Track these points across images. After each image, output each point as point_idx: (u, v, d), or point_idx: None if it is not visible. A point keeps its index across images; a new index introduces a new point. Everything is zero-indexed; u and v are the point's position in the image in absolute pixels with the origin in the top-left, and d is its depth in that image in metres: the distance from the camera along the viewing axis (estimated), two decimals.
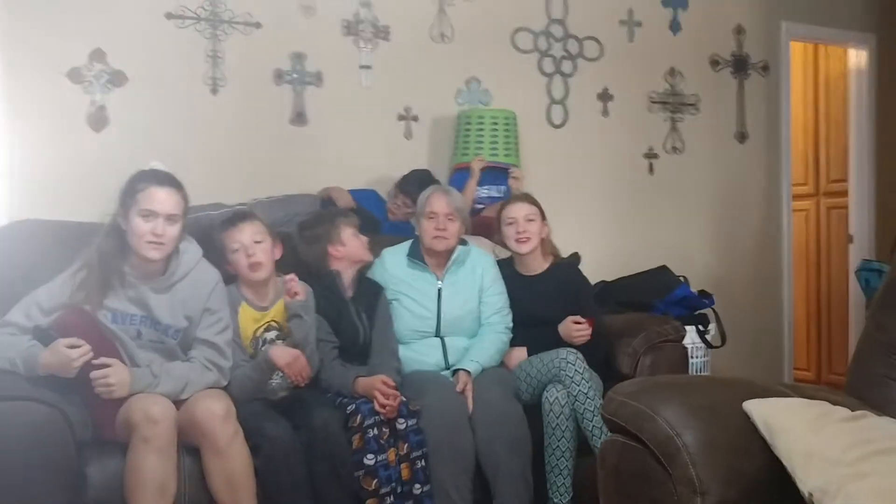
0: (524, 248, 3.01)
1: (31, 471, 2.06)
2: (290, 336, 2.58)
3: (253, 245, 2.58)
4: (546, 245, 3.08)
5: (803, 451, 1.55)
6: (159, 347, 2.41)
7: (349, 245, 2.80)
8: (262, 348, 2.58)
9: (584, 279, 3.13)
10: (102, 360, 2.23)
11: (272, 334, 2.63)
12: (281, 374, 2.53)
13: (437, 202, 2.92)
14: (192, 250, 2.48)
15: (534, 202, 3.07)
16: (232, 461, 2.24)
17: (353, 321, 2.77)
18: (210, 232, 2.66)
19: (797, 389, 1.89)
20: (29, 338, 2.25)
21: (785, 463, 1.58)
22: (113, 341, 2.34)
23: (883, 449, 1.51)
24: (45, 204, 3.07)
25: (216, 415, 2.24)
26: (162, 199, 2.33)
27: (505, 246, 3.09)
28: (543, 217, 3.06)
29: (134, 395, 2.27)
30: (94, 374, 2.21)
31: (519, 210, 3.02)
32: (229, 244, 2.60)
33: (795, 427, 1.59)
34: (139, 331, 2.38)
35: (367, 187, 3.60)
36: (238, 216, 2.65)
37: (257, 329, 2.60)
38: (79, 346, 2.17)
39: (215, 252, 2.61)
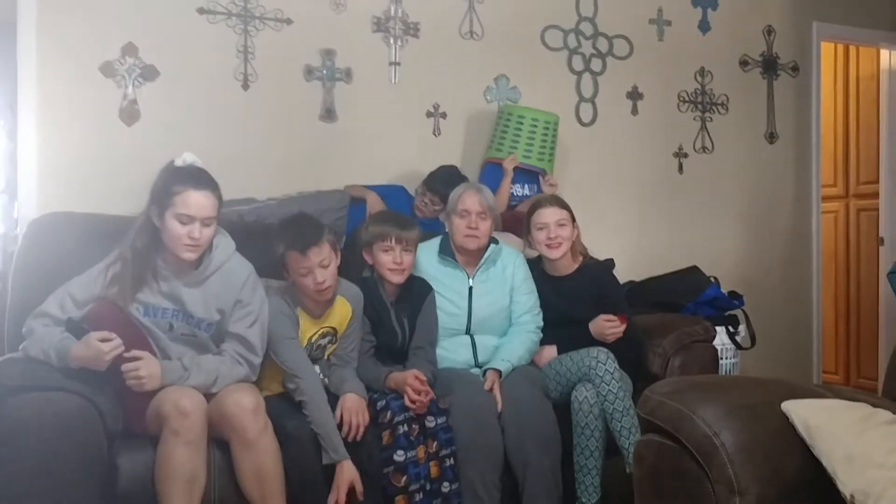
0: (556, 254, 2.97)
1: (62, 461, 2.07)
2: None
3: (321, 270, 2.49)
4: (576, 246, 3.05)
5: (845, 453, 1.52)
6: (192, 341, 2.42)
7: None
8: (315, 352, 2.58)
9: (614, 279, 3.10)
10: (134, 352, 2.24)
11: (326, 340, 2.62)
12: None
13: (470, 200, 2.91)
14: (224, 244, 2.47)
15: (564, 206, 3.03)
16: (261, 455, 2.24)
17: (392, 326, 2.75)
18: (242, 226, 2.67)
19: (834, 391, 1.86)
20: (62, 330, 2.27)
21: (825, 464, 1.56)
22: (144, 335, 2.36)
23: None
24: (76, 197, 3.10)
25: (246, 409, 2.25)
26: (200, 203, 2.31)
27: (533, 248, 3.07)
28: (573, 220, 3.04)
29: (165, 388, 2.28)
30: (126, 366, 2.22)
31: (550, 215, 2.98)
32: (296, 267, 2.50)
33: (837, 429, 1.57)
34: (171, 324, 2.39)
35: (396, 183, 3.60)
36: (307, 240, 2.48)
37: (313, 335, 2.59)
38: (110, 340, 2.18)
39: (250, 247, 2.59)
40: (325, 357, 2.63)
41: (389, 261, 2.70)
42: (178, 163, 2.39)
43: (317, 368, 2.58)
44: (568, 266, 3.05)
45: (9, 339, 2.52)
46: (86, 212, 2.88)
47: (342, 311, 2.63)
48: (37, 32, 3.15)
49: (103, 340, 2.17)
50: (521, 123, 3.63)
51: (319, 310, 2.60)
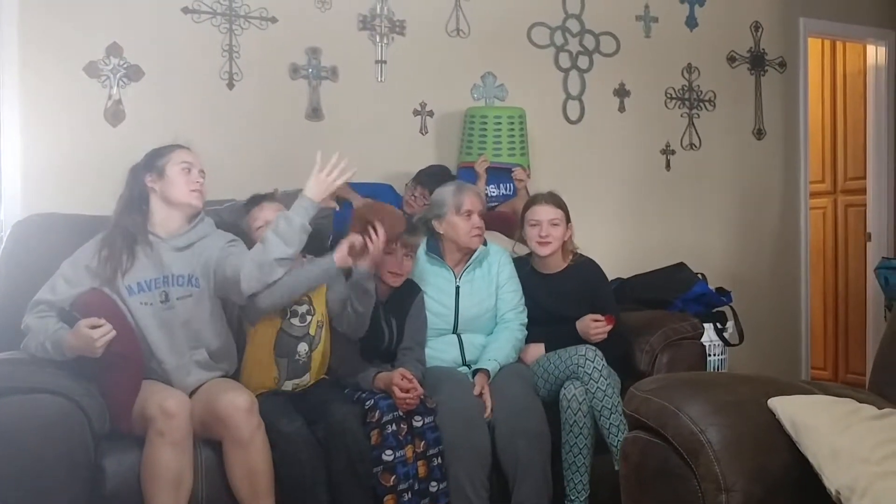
0: (545, 251, 2.98)
1: (47, 465, 2.06)
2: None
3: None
4: (566, 245, 3.05)
5: (830, 449, 1.52)
6: (189, 303, 2.43)
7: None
8: (289, 318, 2.59)
9: (604, 277, 3.10)
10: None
11: (303, 308, 2.60)
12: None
13: (471, 201, 2.91)
14: (208, 220, 2.58)
15: (560, 205, 3.03)
16: (253, 454, 2.24)
17: (380, 325, 2.74)
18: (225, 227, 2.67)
19: (821, 387, 1.86)
20: (56, 320, 2.28)
21: (811, 460, 1.56)
22: (132, 326, 2.35)
23: None
24: (61, 198, 3.07)
25: (240, 408, 2.25)
26: (193, 156, 2.54)
27: (524, 244, 3.07)
28: (568, 220, 3.03)
29: (149, 388, 2.27)
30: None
31: (544, 213, 2.99)
32: (253, 223, 2.66)
33: (822, 425, 1.57)
34: (165, 292, 2.40)
35: (383, 182, 3.59)
36: (260, 196, 2.75)
37: None
38: (100, 326, 2.17)
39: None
40: (310, 333, 2.59)
41: (390, 263, 2.71)
42: None
43: (303, 346, 2.56)
44: (557, 264, 3.05)
45: None
46: (71, 213, 2.85)
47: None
48: (18, 32, 3.12)
49: (93, 327, 2.16)
50: (485, 123, 3.61)
51: None
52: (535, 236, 2.98)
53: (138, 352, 2.33)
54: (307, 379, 2.59)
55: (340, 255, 2.51)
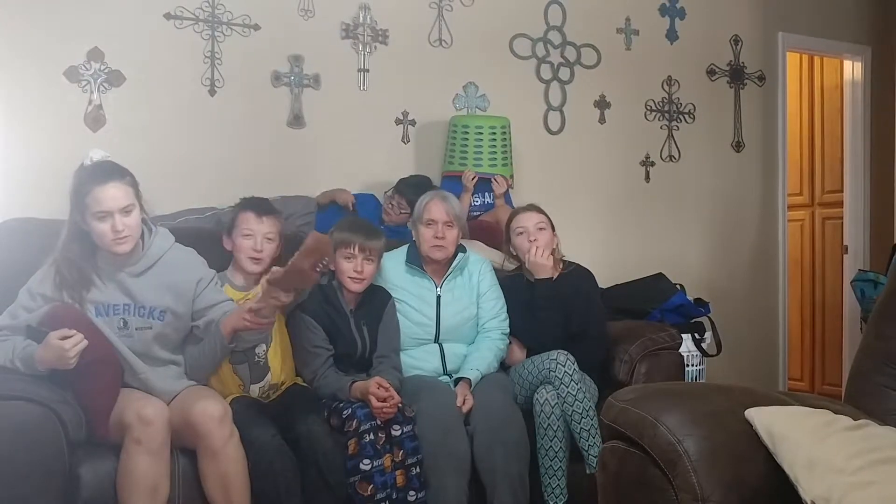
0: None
1: (22, 473, 2.05)
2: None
3: (265, 241, 2.61)
4: (555, 254, 3.04)
5: (806, 460, 1.53)
6: (147, 335, 2.38)
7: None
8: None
9: (596, 286, 3.10)
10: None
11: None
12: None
13: (436, 209, 2.90)
14: (162, 232, 2.46)
15: (542, 211, 3.05)
16: (227, 463, 2.23)
17: (351, 334, 2.73)
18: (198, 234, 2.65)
19: (798, 398, 1.88)
20: (22, 338, 2.22)
21: (787, 471, 1.57)
22: (104, 334, 2.31)
23: (886, 458, 1.50)
24: (40, 203, 3.02)
25: (213, 417, 2.23)
26: (110, 195, 2.27)
27: (514, 257, 3.05)
28: (553, 227, 3.04)
29: (127, 396, 2.25)
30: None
31: (529, 219, 3.00)
32: (242, 226, 2.62)
33: (798, 435, 1.58)
34: (124, 320, 2.36)
35: (366, 191, 3.59)
36: (265, 205, 2.68)
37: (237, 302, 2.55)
38: (70, 336, 2.13)
39: (215, 254, 2.61)
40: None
41: (350, 269, 2.70)
42: (86, 162, 2.37)
43: (261, 347, 2.53)
44: (549, 274, 3.01)
45: None
46: (48, 218, 2.83)
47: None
48: None
49: (63, 338, 2.12)
50: (467, 133, 3.62)
51: (246, 285, 2.64)
52: (525, 244, 2.97)
53: (113, 355, 2.31)
54: (270, 378, 2.57)
55: (232, 324, 2.36)
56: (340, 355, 2.71)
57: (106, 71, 3.26)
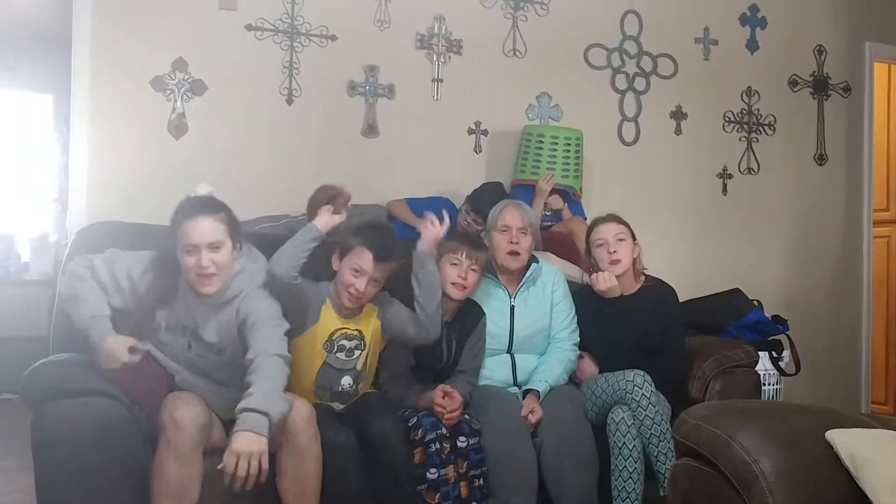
0: (617, 271, 2.88)
1: (100, 469, 2.09)
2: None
3: (371, 283, 2.52)
4: (636, 265, 2.97)
5: (892, 483, 1.47)
6: (206, 363, 2.39)
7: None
8: (338, 352, 2.56)
9: (677, 302, 3.00)
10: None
11: (352, 343, 2.58)
12: None
13: (510, 216, 2.88)
14: (250, 270, 2.40)
15: (622, 221, 2.96)
16: (308, 462, 2.26)
17: (440, 345, 2.71)
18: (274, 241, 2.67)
19: (881, 420, 1.80)
20: (106, 301, 2.30)
21: (870, 496, 1.51)
22: (167, 382, 2.36)
23: None
24: (124, 207, 3.16)
25: (302, 416, 2.26)
26: (198, 231, 2.26)
27: (595, 271, 2.91)
28: (634, 237, 2.96)
29: (171, 396, 2.27)
30: None
31: (609, 230, 2.92)
32: (356, 261, 2.50)
33: (883, 459, 1.52)
34: (190, 343, 2.38)
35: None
36: (385, 252, 2.52)
37: (335, 332, 2.57)
38: (136, 353, 2.24)
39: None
40: (357, 368, 2.60)
41: (455, 274, 2.69)
42: (191, 195, 2.39)
43: (347, 379, 2.57)
44: (630, 285, 2.95)
45: (53, 343, 2.56)
46: (132, 221, 2.92)
47: (369, 320, 2.62)
48: (90, 46, 3.24)
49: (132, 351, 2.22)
50: (541, 142, 3.60)
51: (351, 310, 2.59)
52: (605, 256, 2.91)
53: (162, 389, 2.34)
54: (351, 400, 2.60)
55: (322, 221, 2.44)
56: (423, 364, 2.71)
57: (189, 80, 3.37)
